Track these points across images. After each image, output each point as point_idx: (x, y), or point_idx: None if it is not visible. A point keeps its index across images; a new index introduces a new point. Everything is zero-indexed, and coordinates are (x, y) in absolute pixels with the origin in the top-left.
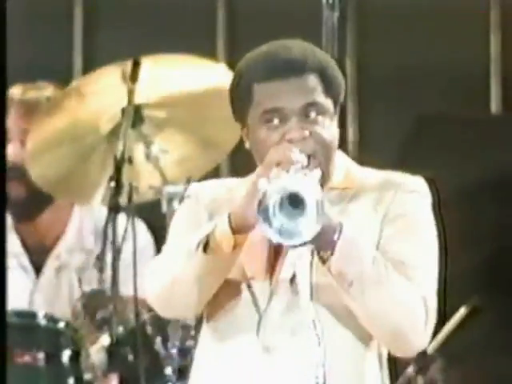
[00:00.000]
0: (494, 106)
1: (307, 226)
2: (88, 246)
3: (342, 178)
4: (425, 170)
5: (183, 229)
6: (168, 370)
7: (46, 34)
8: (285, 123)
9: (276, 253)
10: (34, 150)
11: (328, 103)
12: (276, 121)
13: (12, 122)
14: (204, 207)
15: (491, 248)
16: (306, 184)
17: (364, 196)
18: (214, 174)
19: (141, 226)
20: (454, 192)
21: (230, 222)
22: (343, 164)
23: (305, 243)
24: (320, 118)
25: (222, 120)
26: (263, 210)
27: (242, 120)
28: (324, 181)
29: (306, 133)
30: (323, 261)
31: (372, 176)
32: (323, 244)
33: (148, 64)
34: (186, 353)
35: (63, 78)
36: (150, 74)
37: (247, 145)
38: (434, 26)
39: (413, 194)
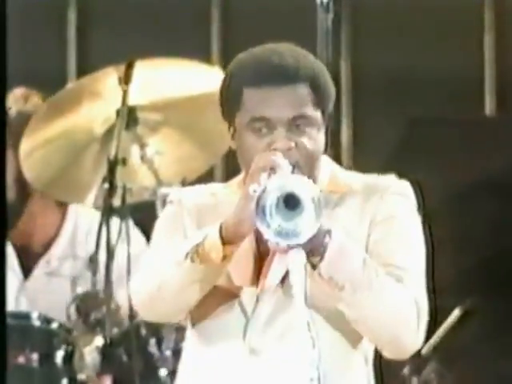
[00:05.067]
0: (489, 108)
1: (305, 225)
2: (81, 254)
3: (327, 181)
4: (419, 172)
5: (166, 233)
6: (162, 372)
7: (40, 37)
8: (271, 132)
9: (262, 259)
10: (28, 150)
11: (317, 115)
12: (264, 130)
13: None
14: (187, 212)
15: (485, 249)
16: (301, 183)
17: (350, 199)
18: (209, 175)
19: (135, 229)
20: (448, 193)
21: (220, 232)
22: (328, 168)
23: (301, 244)
24: (307, 129)
25: (215, 122)
26: (260, 212)
27: (229, 121)
28: None
29: (292, 144)
30: (313, 266)
31: (357, 180)
32: (313, 249)
33: (142, 66)
34: (180, 354)
35: (58, 81)
36: (144, 76)
37: (233, 145)
38: (428, 28)
39: (398, 196)
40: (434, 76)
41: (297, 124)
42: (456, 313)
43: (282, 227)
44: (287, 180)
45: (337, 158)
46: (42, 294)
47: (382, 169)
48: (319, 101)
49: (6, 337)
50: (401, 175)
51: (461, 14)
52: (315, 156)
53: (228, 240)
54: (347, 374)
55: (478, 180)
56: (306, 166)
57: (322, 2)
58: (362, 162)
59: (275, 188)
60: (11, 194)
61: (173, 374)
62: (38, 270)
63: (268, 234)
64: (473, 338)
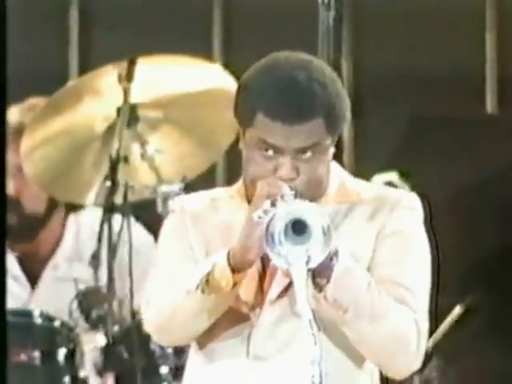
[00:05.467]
0: (490, 105)
1: (315, 250)
2: (86, 255)
3: (335, 191)
4: (420, 170)
5: (172, 244)
6: (164, 369)
7: (42, 34)
8: (279, 157)
9: (264, 273)
10: (29, 148)
11: (327, 141)
12: (270, 152)
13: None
14: (189, 218)
15: (486, 248)
16: (308, 209)
17: (359, 209)
18: (210, 173)
19: (138, 226)
20: (449, 191)
21: (228, 260)
22: (338, 177)
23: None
24: (315, 154)
25: (217, 120)
26: (270, 239)
27: (240, 126)
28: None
29: (294, 175)
30: (319, 288)
31: (367, 189)
32: (321, 271)
33: (144, 64)
34: (181, 352)
35: (59, 78)
36: (145, 73)
37: (241, 144)
38: (429, 26)
39: (408, 211)
40: (435, 74)
41: (305, 152)
42: (457, 310)
43: (291, 254)
44: (294, 207)
45: (339, 158)
46: (50, 301)
47: (384, 167)
48: (332, 129)
49: (6, 336)
50: (402, 174)
51: (462, 12)
52: (320, 180)
53: (236, 268)
54: None
55: (479, 178)
56: (308, 192)
57: (323, 1)
58: (364, 160)
59: (283, 215)
60: (40, 207)
61: (174, 371)
62: (46, 277)
63: (278, 262)
64: (474, 336)
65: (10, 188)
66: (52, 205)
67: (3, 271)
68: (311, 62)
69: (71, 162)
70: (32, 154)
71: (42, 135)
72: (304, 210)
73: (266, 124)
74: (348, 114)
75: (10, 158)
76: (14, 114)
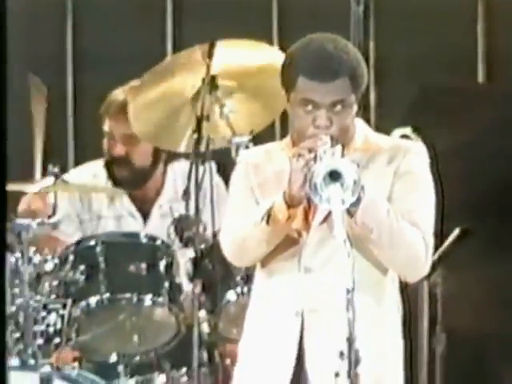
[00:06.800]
0: (481, 76)
1: (347, 195)
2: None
3: (361, 141)
4: (429, 128)
5: (239, 189)
6: (238, 277)
7: (141, 25)
8: (316, 110)
9: (309, 208)
10: (135, 112)
11: (352, 98)
12: (310, 107)
13: (114, 125)
14: (251, 168)
15: (482, 182)
16: (344, 163)
17: (380, 156)
18: (270, 128)
19: (215, 168)
20: (451, 141)
21: (284, 198)
22: (363, 131)
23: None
24: (343, 109)
25: (275, 88)
26: (313, 187)
27: (286, 90)
28: (344, 150)
29: (328, 123)
30: (351, 215)
31: (385, 141)
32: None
33: (221, 45)
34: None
35: (157, 58)
36: (222, 52)
37: (287, 107)
38: (434, 18)
39: (417, 155)
40: (439, 52)
41: (335, 106)
42: (456, 232)
43: (330, 197)
44: (332, 161)
45: (366, 118)
46: (156, 231)
47: (400, 124)
48: (355, 88)
49: (6, 336)
50: (414, 129)
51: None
52: (349, 128)
53: (291, 204)
54: (380, 288)
55: (474, 132)
56: (341, 136)
57: None
58: (385, 118)
59: (322, 167)
60: (147, 162)
61: (246, 279)
62: (153, 214)
63: (320, 203)
64: (470, 251)
65: (121, 150)
66: (155, 160)
67: (3, 272)
68: (336, 37)
69: (168, 120)
70: (139, 116)
71: (146, 101)
72: (339, 163)
73: (306, 84)
74: (366, 79)
75: (118, 128)
76: (119, 94)
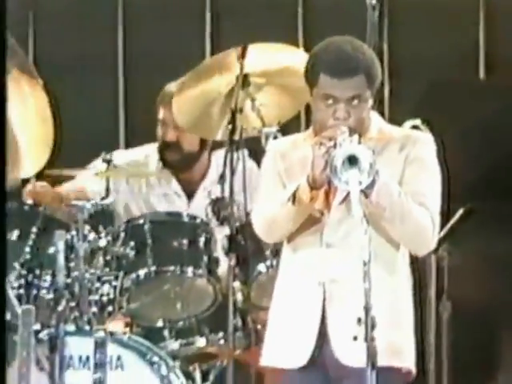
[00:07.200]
0: (482, 73)
1: (365, 176)
2: None
3: (376, 131)
4: (437, 118)
5: (269, 174)
6: (267, 252)
7: (179, 29)
8: (336, 104)
9: (330, 190)
10: (179, 106)
11: (368, 93)
12: (330, 101)
13: (167, 113)
14: (279, 155)
15: (482, 168)
16: (361, 149)
17: (392, 145)
18: (296, 119)
19: (247, 154)
20: (457, 131)
21: (308, 181)
22: (377, 123)
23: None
24: (360, 103)
25: (299, 85)
26: (333, 170)
27: (309, 86)
28: (360, 139)
29: (347, 116)
30: (366, 195)
31: (397, 131)
32: (368, 184)
33: (252, 48)
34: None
35: (196, 59)
36: (254, 54)
37: (310, 101)
38: (440, 22)
39: (425, 144)
40: (445, 51)
41: (353, 100)
42: (460, 212)
43: (348, 179)
44: (350, 147)
45: (381, 111)
46: (198, 210)
47: (411, 116)
48: (370, 84)
49: (6, 336)
50: (424, 121)
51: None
52: (365, 119)
53: (314, 186)
54: (393, 261)
55: (476, 123)
56: (358, 127)
57: (371, 4)
58: (398, 111)
59: (342, 153)
60: (195, 147)
61: (274, 252)
62: (198, 194)
63: (340, 185)
64: (472, 228)
65: (172, 136)
66: (202, 146)
67: (3, 272)
68: (353, 40)
69: (207, 113)
70: (182, 109)
71: (188, 96)
72: (356, 149)
73: (327, 81)
74: (380, 76)
75: (169, 115)
76: (172, 87)
